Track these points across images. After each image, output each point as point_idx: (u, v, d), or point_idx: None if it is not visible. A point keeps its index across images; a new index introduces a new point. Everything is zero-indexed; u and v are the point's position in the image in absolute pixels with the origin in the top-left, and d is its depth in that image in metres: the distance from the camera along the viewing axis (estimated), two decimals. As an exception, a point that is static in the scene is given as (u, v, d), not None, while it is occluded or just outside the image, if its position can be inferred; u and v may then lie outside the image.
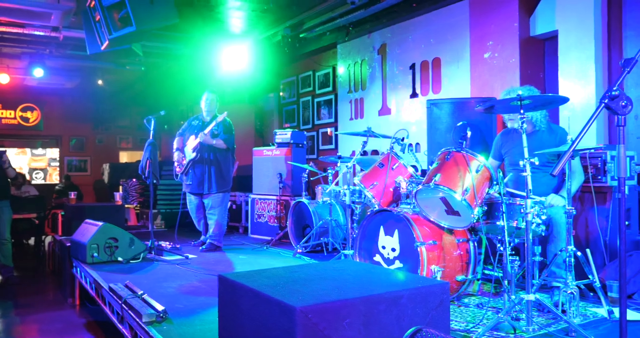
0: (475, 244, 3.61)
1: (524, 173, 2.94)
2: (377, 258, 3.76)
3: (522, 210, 3.19)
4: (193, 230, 6.58)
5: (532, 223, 3.13)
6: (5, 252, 6.31)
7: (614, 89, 1.71)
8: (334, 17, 7.44)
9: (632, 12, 4.59)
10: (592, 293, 3.59)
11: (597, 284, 3.23)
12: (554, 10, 4.97)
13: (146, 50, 7.71)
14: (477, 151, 3.47)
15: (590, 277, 3.26)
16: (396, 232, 3.63)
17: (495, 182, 3.37)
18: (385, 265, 3.68)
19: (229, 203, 6.43)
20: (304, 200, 5.94)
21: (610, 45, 4.72)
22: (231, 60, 7.97)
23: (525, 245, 2.94)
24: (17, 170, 7.36)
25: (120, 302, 3.48)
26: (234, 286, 2.14)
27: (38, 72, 9.06)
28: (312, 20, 7.64)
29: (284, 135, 7.17)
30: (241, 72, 8.26)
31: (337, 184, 5.50)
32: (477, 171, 3.36)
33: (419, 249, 3.37)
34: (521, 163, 2.95)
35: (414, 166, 4.32)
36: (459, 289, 3.56)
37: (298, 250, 5.67)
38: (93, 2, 5.64)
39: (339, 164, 5.49)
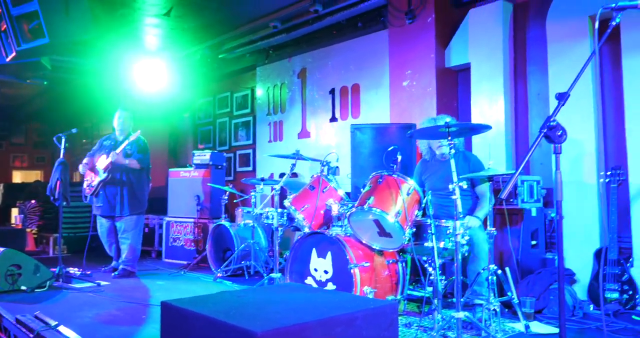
0: (404, 265, 3.73)
1: (453, 197, 3.11)
2: (309, 280, 3.77)
3: (448, 232, 3.37)
4: (101, 255, 6.21)
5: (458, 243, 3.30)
6: None
7: (552, 120, 1.88)
8: (255, 39, 7.50)
9: (534, 49, 5.05)
10: (507, 309, 3.83)
11: (516, 301, 3.46)
12: (467, 43, 5.34)
13: (54, 64, 7.28)
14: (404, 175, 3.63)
15: (509, 293, 3.48)
16: (329, 254, 3.67)
17: (423, 205, 3.53)
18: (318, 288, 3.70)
19: (142, 227, 6.15)
20: (225, 222, 5.83)
21: (516, 78, 5.16)
22: (146, 77, 7.72)
23: (455, 264, 3.09)
24: None
25: (31, 335, 3.20)
26: (183, 313, 2.06)
27: None
28: (233, 41, 7.64)
29: (202, 156, 7.03)
30: (156, 90, 8.01)
31: (260, 207, 5.46)
32: (408, 194, 3.50)
33: (352, 271, 3.43)
34: (450, 186, 3.12)
35: (340, 188, 4.41)
36: (388, 309, 3.65)
37: (218, 275, 5.52)
38: (-1, 11, 5.26)
39: (260, 186, 5.48)
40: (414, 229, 3.51)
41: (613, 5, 2.07)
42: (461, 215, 3.14)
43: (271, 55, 7.74)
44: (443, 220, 3.44)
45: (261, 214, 5.26)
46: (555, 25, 4.68)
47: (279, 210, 4.74)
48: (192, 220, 6.82)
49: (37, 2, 4.83)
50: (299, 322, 1.86)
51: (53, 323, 3.29)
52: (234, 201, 6.65)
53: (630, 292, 3.86)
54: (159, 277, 5.68)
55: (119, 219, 5.61)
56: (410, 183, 3.54)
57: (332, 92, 6.84)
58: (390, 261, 3.68)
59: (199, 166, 7.00)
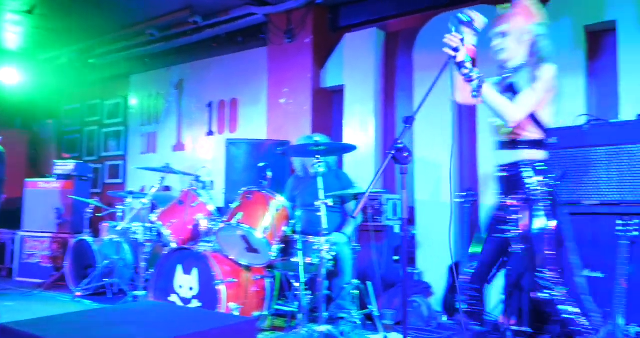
0: (271, 280, 3.75)
1: (319, 213, 3.21)
2: (174, 298, 3.65)
3: (315, 247, 3.45)
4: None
5: (324, 259, 3.39)
6: None
7: (399, 142, 2.02)
8: (130, 46, 7.21)
9: (403, 76, 5.39)
10: (369, 322, 3.99)
11: (376, 313, 3.61)
12: (342, 66, 5.57)
13: None
14: (274, 191, 3.67)
15: (370, 307, 3.63)
16: (195, 270, 3.58)
17: (291, 221, 3.59)
18: (182, 305, 3.59)
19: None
20: (87, 238, 5.46)
21: (386, 102, 5.46)
22: (3, 79, 7.06)
23: (319, 279, 3.18)
24: None
25: None
26: (21, 337, 1.88)
27: None
28: (105, 46, 7.27)
29: (65, 166, 6.54)
30: (14, 93, 7.35)
31: (127, 221, 5.19)
32: (276, 210, 3.54)
33: (218, 287, 3.38)
34: (316, 203, 3.21)
35: (210, 203, 4.34)
36: (254, 326, 3.64)
37: (77, 294, 5.14)
38: None
39: (129, 200, 5.22)
40: (282, 245, 3.55)
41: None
42: (327, 232, 3.24)
43: (147, 64, 7.47)
44: (310, 236, 3.53)
45: (128, 229, 5.01)
46: (421, 55, 5.04)
47: (147, 224, 4.54)
48: (50, 234, 6.30)
49: None
50: (148, 342, 1.79)
51: None
52: (99, 215, 6.25)
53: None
54: (8, 298, 5.17)
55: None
56: (279, 200, 3.58)
57: (210, 105, 6.76)
58: (258, 277, 3.68)
59: (60, 177, 6.51)
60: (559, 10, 4.32)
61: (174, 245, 3.98)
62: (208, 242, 3.85)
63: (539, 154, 2.48)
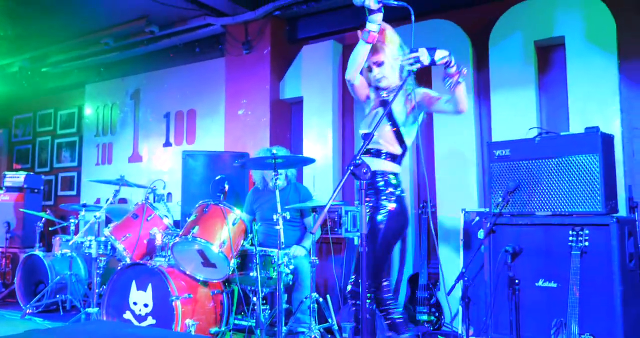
0: (229, 295, 3.70)
1: (277, 227, 3.19)
2: (128, 315, 3.55)
3: (273, 261, 3.43)
4: None
5: (282, 273, 3.37)
6: None
7: (357, 158, 2.03)
8: (85, 55, 7.04)
9: (360, 88, 5.44)
10: (329, 335, 3.98)
11: (335, 327, 3.61)
12: (299, 78, 5.58)
13: None
14: (230, 204, 3.63)
15: (329, 320, 3.62)
16: (149, 286, 3.50)
17: (250, 234, 3.56)
18: (136, 323, 3.50)
19: None
20: (38, 252, 5.27)
21: (344, 114, 5.49)
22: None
23: (277, 293, 3.15)
24: None
25: None
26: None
27: None
28: (59, 55, 7.08)
29: (15, 178, 6.32)
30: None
31: (80, 235, 5.03)
32: (233, 224, 3.50)
33: (173, 304, 3.31)
34: (275, 217, 3.19)
35: (167, 217, 4.26)
36: (211, 342, 3.58)
37: (28, 311, 4.95)
38: None
39: (83, 213, 5.08)
40: (239, 259, 3.52)
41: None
42: (283, 245, 3.22)
43: (103, 73, 7.31)
44: (269, 250, 3.50)
45: (82, 243, 4.85)
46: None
47: (101, 238, 4.42)
48: (-1, 249, 6.06)
49: None
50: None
51: None
52: (51, 229, 6.05)
53: (437, 314, 4.25)
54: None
55: None
56: (236, 213, 3.54)
57: (167, 116, 6.66)
58: (215, 292, 3.62)
59: (10, 189, 6.28)
60: (509, 25, 4.46)
61: (128, 260, 3.88)
62: (163, 256, 3.77)
63: (395, 167, 2.71)
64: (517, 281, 2.89)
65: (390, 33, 2.78)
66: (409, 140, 2.75)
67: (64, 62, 7.28)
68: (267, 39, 5.71)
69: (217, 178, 3.90)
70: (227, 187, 3.70)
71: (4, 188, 6.31)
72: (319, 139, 5.36)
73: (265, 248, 3.55)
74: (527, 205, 3.33)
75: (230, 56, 5.96)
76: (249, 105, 5.73)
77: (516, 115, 4.35)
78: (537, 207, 3.30)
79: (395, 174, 2.71)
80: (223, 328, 3.60)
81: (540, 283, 3.18)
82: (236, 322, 3.72)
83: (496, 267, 3.21)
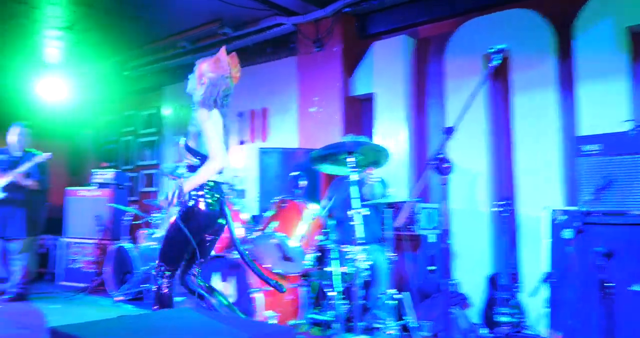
0: (307, 289, 3.77)
1: (354, 222, 3.22)
2: (211, 306, 3.70)
3: (350, 257, 3.46)
4: None
5: (359, 268, 3.40)
6: None
7: (440, 153, 2.03)
8: (162, 58, 7.38)
9: (434, 83, 5.36)
10: (405, 333, 3.96)
11: (413, 325, 3.58)
12: (371, 74, 5.58)
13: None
14: (306, 199, 3.70)
15: (406, 317, 3.61)
16: (231, 278, 3.64)
17: (326, 229, 3.61)
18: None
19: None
20: (126, 244, 5.61)
21: (417, 110, 5.44)
22: (46, 91, 7.29)
23: (353, 289, 3.19)
24: None
25: None
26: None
27: None
28: (139, 59, 7.46)
29: (104, 175, 6.72)
30: (56, 105, 7.59)
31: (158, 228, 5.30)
32: (311, 219, 3.57)
33: (254, 296, 3.42)
34: (350, 212, 3.23)
35: (245, 212, 4.39)
36: (290, 334, 3.66)
37: (117, 298, 5.28)
38: None
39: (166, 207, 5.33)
40: (318, 253, 3.58)
41: (492, 49, 2.29)
42: (362, 241, 3.24)
43: (179, 75, 7.60)
44: (345, 245, 3.54)
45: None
46: (452, 62, 5.02)
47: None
48: (91, 241, 6.46)
49: None
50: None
51: None
52: (137, 222, 6.39)
53: (518, 316, 4.12)
54: (53, 301, 5.37)
55: (13, 241, 5.27)
56: (313, 208, 3.61)
57: (241, 115, 6.84)
58: (294, 285, 3.71)
59: (101, 185, 6.69)
60: (598, 11, 4.22)
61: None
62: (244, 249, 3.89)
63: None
64: (609, 284, 2.75)
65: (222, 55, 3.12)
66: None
67: (143, 66, 7.66)
68: (337, 36, 5.75)
69: (293, 174, 3.97)
70: (304, 182, 3.77)
71: (96, 184, 6.72)
72: (390, 135, 5.34)
73: (342, 243, 3.59)
74: (621, 204, 3.15)
75: (302, 54, 6.05)
76: (320, 103, 5.79)
77: (605, 107, 4.11)
78: (632, 205, 3.11)
79: None
80: (301, 321, 3.67)
81: (634, 287, 3.01)
82: (314, 316, 3.78)
83: (585, 268, 3.08)
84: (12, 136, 5.39)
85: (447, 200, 2.06)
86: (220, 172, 3.05)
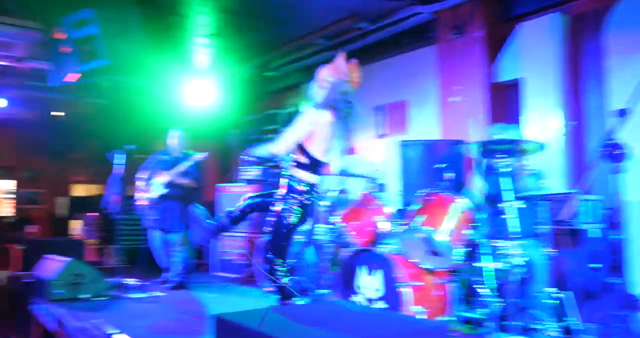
0: (456, 285, 3.65)
1: (506, 215, 3.03)
2: (359, 298, 3.74)
3: (503, 252, 3.27)
4: (156, 267, 6.37)
5: (513, 264, 3.20)
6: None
7: (611, 138, 1.82)
8: (301, 57, 7.59)
9: (591, 62, 4.87)
10: (567, 336, 3.66)
11: (579, 327, 3.29)
12: (517, 58, 5.24)
13: (112, 84, 7.59)
14: (454, 192, 3.56)
15: (568, 319, 3.32)
16: (378, 272, 3.63)
17: (476, 223, 3.45)
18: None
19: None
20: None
21: (572, 93, 4.98)
22: (196, 95, 7.93)
23: (507, 286, 3.01)
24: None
25: (94, 343, 3.31)
26: (237, 328, 2.07)
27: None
28: (279, 59, 7.77)
29: (252, 172, 7.12)
30: (206, 108, 8.22)
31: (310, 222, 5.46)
32: (459, 212, 3.43)
33: (402, 290, 3.38)
34: (501, 205, 3.05)
35: (389, 205, 4.36)
36: (439, 330, 3.57)
37: (266, 289, 5.55)
38: (61, 34, 5.54)
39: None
40: (467, 249, 3.44)
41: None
42: (516, 235, 3.05)
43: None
44: (498, 240, 3.35)
45: (311, 230, 5.27)
46: (615, 37, 4.53)
47: (328, 226, 4.73)
48: (242, 234, 6.88)
49: (97, 26, 5.07)
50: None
51: (111, 331, 3.39)
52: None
53: None
54: (209, 290, 5.77)
55: (172, 233, 5.76)
56: (461, 201, 3.47)
57: (380, 108, 6.83)
58: (442, 281, 3.60)
59: (249, 181, 7.10)
60: None
61: (355, 247, 4.08)
62: (388, 244, 3.88)
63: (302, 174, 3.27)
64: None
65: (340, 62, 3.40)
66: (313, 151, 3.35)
67: (283, 66, 7.97)
68: (478, 20, 5.48)
69: (438, 166, 3.86)
70: (450, 174, 3.64)
71: (244, 181, 7.15)
72: (542, 122, 4.96)
73: (494, 238, 3.41)
74: None
75: (441, 43, 5.86)
76: (463, 91, 5.57)
77: None
78: None
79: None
80: (450, 318, 3.56)
81: None
82: (464, 313, 3.65)
83: None
84: (172, 139, 5.90)
85: (619, 191, 1.83)
86: (318, 173, 3.32)
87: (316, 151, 3.26)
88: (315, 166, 3.27)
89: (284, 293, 3.33)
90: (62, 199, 11.65)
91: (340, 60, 3.31)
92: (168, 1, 5.88)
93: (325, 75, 3.33)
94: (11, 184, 13.81)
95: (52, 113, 11.05)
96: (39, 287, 4.84)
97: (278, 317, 2.28)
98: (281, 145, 3.24)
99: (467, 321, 3.77)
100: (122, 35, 5.38)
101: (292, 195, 3.26)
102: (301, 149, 3.25)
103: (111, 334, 3.35)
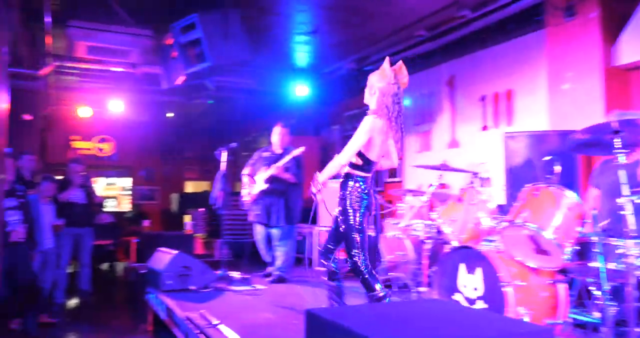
0: (565, 286, 3.38)
1: (624, 212, 2.75)
2: (458, 297, 3.59)
3: (621, 251, 2.98)
4: (260, 261, 6.59)
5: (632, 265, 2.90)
6: (85, 277, 6.56)
7: None
8: (401, 49, 7.45)
9: None
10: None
11: None
12: None
13: (217, 84, 7.97)
14: (562, 186, 3.30)
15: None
16: (478, 270, 3.46)
17: (588, 220, 3.17)
18: (467, 305, 3.51)
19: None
20: (371, 234, 5.83)
21: None
22: (296, 93, 8.09)
23: (626, 289, 2.73)
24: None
25: (197, 331, 3.48)
26: (325, 323, 2.07)
27: (116, 106, 9.55)
28: (378, 53, 7.67)
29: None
30: (306, 104, 8.36)
31: (408, 218, 5.36)
32: (568, 208, 3.17)
33: (505, 290, 3.20)
34: (619, 201, 2.77)
35: (492, 201, 4.15)
36: (547, 334, 3.33)
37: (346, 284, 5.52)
38: (170, 40, 5.90)
39: (409, 197, 5.39)
40: (577, 247, 3.17)
41: None
42: (635, 233, 2.76)
43: (418, 64, 7.62)
44: (614, 238, 3.06)
45: (409, 226, 5.18)
46: None
47: (427, 222, 4.61)
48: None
49: (200, 30, 5.32)
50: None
51: (215, 321, 3.55)
52: (381, 212, 6.62)
53: None
54: (310, 284, 5.85)
55: (275, 228, 5.90)
56: (570, 196, 3.20)
57: (483, 99, 6.53)
58: (549, 281, 3.36)
59: (347, 177, 7.10)
60: None
61: (455, 244, 3.94)
62: (491, 241, 3.69)
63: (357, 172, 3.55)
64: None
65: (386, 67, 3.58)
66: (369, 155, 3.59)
67: (383, 59, 7.85)
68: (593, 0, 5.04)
69: (545, 159, 3.60)
70: (558, 167, 3.38)
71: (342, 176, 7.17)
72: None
73: (609, 236, 3.11)
74: None
75: (550, 27, 5.46)
76: (575, 78, 5.16)
77: None
78: None
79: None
80: (560, 321, 3.31)
81: None
82: (575, 316, 3.37)
83: None
84: (274, 135, 6.05)
85: None
86: (370, 172, 3.57)
87: (372, 155, 3.51)
88: (367, 166, 3.55)
89: (370, 287, 3.46)
90: (174, 195, 12.47)
91: (385, 64, 3.54)
92: (267, 1, 6.03)
93: (374, 82, 3.55)
94: (129, 182, 15.06)
95: (166, 114, 11.80)
96: (152, 277, 5.20)
97: (370, 313, 2.24)
98: (347, 156, 3.47)
99: (579, 324, 3.49)
100: (225, 37, 5.61)
101: (351, 192, 3.54)
102: (358, 153, 3.51)
103: (216, 324, 3.50)
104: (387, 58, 3.57)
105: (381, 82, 3.50)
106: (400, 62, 3.57)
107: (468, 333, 1.95)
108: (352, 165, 3.56)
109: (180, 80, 6.03)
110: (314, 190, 3.58)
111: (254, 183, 6.03)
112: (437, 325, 2.04)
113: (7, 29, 4.24)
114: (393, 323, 2.05)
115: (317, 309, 2.27)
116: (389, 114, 3.47)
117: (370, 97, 3.57)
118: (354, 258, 3.50)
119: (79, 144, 13.89)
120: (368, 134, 3.46)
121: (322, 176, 3.54)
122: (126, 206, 14.76)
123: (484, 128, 6.49)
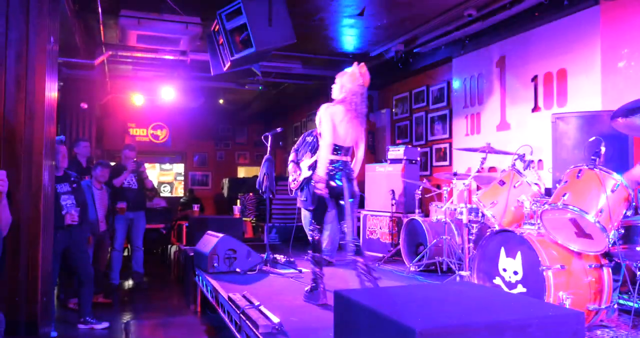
0: (610, 271, 3.28)
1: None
2: (498, 281, 3.55)
3: (667, 235, 2.86)
4: (306, 245, 6.69)
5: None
6: (138, 259, 6.88)
7: None
8: (450, 30, 7.28)
9: None
10: None
11: None
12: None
13: (263, 70, 8.05)
14: (608, 168, 3.17)
15: None
16: (519, 254, 3.40)
17: (634, 203, 3.06)
18: (506, 289, 3.47)
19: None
20: (417, 217, 5.81)
21: None
22: (344, 77, 8.06)
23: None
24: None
25: (238, 312, 3.60)
26: (351, 303, 2.12)
27: (167, 94, 9.84)
28: (426, 34, 7.53)
29: (396, 151, 7.10)
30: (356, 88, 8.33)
31: (452, 202, 5.31)
32: (612, 191, 3.06)
33: (544, 274, 3.13)
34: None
35: (536, 184, 4.04)
36: (590, 319, 3.25)
37: (411, 269, 5.53)
38: (217, 26, 6.01)
39: (454, 181, 5.32)
40: (622, 231, 3.06)
41: None
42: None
43: (467, 45, 7.44)
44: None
45: (454, 210, 5.13)
46: None
47: (470, 205, 4.55)
48: (387, 214, 6.93)
49: (245, 15, 5.39)
50: (462, 323, 1.77)
51: (256, 302, 3.66)
52: (427, 196, 6.58)
53: None
54: (354, 267, 5.89)
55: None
56: (616, 179, 3.08)
57: (535, 79, 6.31)
58: (593, 265, 3.25)
59: (393, 161, 7.09)
60: None
61: (496, 227, 3.88)
62: (532, 224, 3.61)
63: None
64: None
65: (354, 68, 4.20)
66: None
67: (432, 41, 7.71)
68: (653, -29, 4.76)
69: (591, 139, 3.47)
70: (603, 149, 3.25)
71: (388, 160, 7.16)
72: None
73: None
74: None
75: (606, 1, 5.20)
76: (631, 55, 4.91)
77: None
78: None
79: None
80: (603, 306, 3.21)
81: None
82: (620, 301, 3.27)
83: None
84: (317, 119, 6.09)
85: None
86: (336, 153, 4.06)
87: (337, 139, 4.01)
88: (337, 150, 4.06)
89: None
90: (225, 180, 12.79)
91: (354, 68, 4.10)
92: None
93: (345, 83, 4.11)
94: (182, 167, 15.57)
95: (218, 101, 12.06)
96: (200, 260, 5.40)
97: (395, 295, 2.27)
98: (326, 147, 4.03)
99: (624, 310, 3.38)
100: (270, 22, 5.65)
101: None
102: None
103: (257, 305, 3.61)
104: (356, 63, 4.12)
105: (351, 84, 4.04)
106: (363, 63, 4.14)
107: (486, 315, 1.95)
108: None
109: (227, 66, 6.15)
110: (319, 187, 3.98)
111: (298, 170, 6.10)
112: (459, 306, 2.05)
113: (57, 19, 4.43)
114: (418, 306, 2.07)
115: (345, 290, 2.32)
116: (356, 110, 4.00)
117: (339, 94, 4.10)
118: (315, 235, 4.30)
119: (134, 131, 14.45)
120: (330, 120, 3.98)
121: (320, 172, 4.04)
122: (180, 191, 15.29)
123: (536, 109, 6.28)
